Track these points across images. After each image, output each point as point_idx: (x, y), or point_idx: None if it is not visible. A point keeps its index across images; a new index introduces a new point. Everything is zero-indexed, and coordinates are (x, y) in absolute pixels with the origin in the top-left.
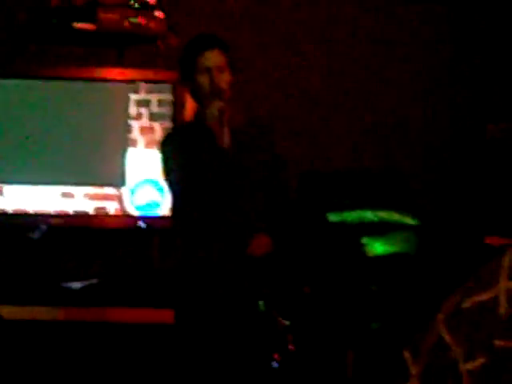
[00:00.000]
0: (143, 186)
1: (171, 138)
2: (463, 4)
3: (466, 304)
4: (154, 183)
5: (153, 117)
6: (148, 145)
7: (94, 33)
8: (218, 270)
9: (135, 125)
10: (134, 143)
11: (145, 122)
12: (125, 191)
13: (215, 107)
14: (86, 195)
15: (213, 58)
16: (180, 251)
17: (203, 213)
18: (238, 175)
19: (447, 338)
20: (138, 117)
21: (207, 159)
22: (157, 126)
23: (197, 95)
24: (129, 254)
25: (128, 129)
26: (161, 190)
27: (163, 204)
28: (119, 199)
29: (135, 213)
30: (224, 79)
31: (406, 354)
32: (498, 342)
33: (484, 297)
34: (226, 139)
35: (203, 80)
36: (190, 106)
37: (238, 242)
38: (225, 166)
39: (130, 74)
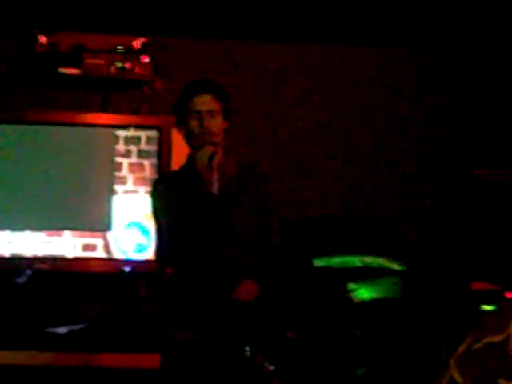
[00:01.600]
0: (129, 229)
1: (160, 183)
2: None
3: (477, 345)
4: (140, 226)
5: (141, 154)
6: (136, 183)
7: (79, 78)
8: (204, 314)
9: (124, 162)
10: (122, 181)
11: (133, 159)
12: (111, 235)
13: (205, 152)
14: (72, 240)
15: (204, 102)
16: (166, 296)
17: (189, 258)
18: (225, 221)
19: (458, 378)
20: (127, 154)
21: (194, 204)
22: (146, 162)
23: (189, 139)
24: (114, 299)
25: (113, 174)
26: (147, 233)
27: (149, 247)
28: (105, 244)
29: (121, 257)
30: (215, 124)
31: None
32: (502, 382)
33: (496, 339)
34: (215, 184)
35: (194, 124)
36: (183, 150)
37: (224, 286)
38: (212, 211)
39: (115, 119)
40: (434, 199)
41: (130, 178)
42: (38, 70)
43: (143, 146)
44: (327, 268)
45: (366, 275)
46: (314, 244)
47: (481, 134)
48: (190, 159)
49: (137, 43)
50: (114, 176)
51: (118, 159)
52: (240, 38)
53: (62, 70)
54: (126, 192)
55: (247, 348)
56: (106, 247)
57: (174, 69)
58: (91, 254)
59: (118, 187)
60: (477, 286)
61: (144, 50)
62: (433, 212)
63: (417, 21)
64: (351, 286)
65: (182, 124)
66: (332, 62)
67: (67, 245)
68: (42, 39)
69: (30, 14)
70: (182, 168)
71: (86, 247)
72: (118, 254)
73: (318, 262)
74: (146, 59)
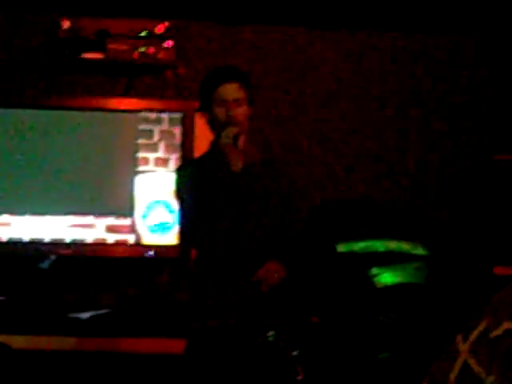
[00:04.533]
0: (154, 207)
1: (184, 167)
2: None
3: (496, 332)
4: (165, 204)
5: (164, 135)
6: (158, 163)
7: (102, 63)
8: (228, 297)
9: (147, 143)
10: (145, 162)
11: (155, 139)
12: (137, 216)
13: (230, 131)
14: (95, 224)
15: (230, 90)
16: (192, 279)
17: (213, 240)
18: (249, 199)
19: (475, 367)
20: (149, 135)
21: (217, 183)
22: (168, 143)
23: (213, 125)
24: (137, 284)
25: (136, 157)
26: (172, 211)
27: (174, 226)
28: (129, 226)
29: (147, 236)
30: (241, 112)
31: None
32: None
33: None
34: (239, 164)
35: (219, 112)
36: (205, 135)
37: (249, 266)
38: (234, 190)
39: (138, 103)
40: (457, 184)
41: (152, 159)
42: (61, 55)
43: (165, 126)
44: (350, 253)
45: (389, 260)
46: (337, 229)
47: (505, 119)
48: (213, 144)
49: (160, 28)
50: (137, 159)
51: (141, 141)
52: (264, 23)
53: (86, 55)
54: (149, 172)
55: (271, 333)
56: (131, 229)
57: (197, 53)
58: (115, 238)
59: (141, 168)
60: (499, 270)
61: (167, 34)
62: (456, 197)
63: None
64: (374, 270)
65: (206, 110)
66: (362, 49)
67: (90, 229)
68: (65, 24)
69: None
70: (206, 153)
71: (109, 231)
72: (143, 235)
73: (342, 247)
74: (169, 44)
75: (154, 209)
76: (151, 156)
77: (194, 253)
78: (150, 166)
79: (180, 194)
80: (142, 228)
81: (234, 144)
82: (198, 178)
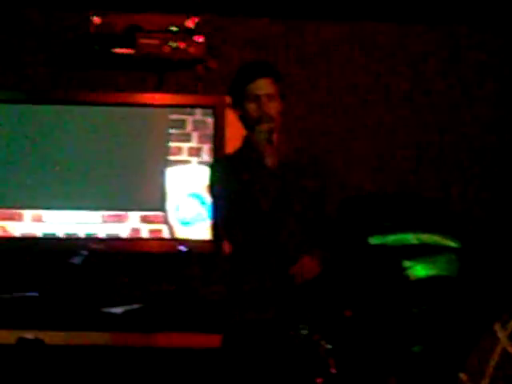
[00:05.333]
0: (188, 200)
1: (218, 163)
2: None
3: None
4: (198, 197)
5: (196, 125)
6: (191, 153)
7: (133, 58)
8: (267, 291)
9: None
10: (177, 154)
11: (188, 130)
12: (169, 210)
13: (264, 127)
14: (128, 218)
15: (263, 86)
16: (229, 273)
17: (248, 235)
18: (283, 195)
19: None
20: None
21: (251, 178)
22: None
23: (245, 121)
24: (170, 278)
25: (167, 150)
26: (204, 203)
27: (207, 218)
28: (161, 221)
29: (179, 232)
30: (273, 107)
31: (464, 377)
32: None
33: None
34: (272, 159)
35: (252, 107)
36: (237, 131)
37: (285, 260)
38: (268, 185)
39: (169, 98)
40: (489, 175)
41: (185, 151)
42: (92, 50)
43: (198, 116)
44: (383, 246)
45: (421, 252)
46: (370, 222)
47: None
48: (247, 139)
49: (190, 23)
50: (169, 150)
51: (174, 131)
52: (293, 18)
53: (116, 50)
54: (181, 163)
55: (304, 326)
56: (164, 222)
57: (227, 48)
58: (149, 232)
59: (173, 158)
60: None
61: (198, 29)
62: (488, 188)
63: None
64: (407, 263)
65: (238, 106)
66: (389, 40)
67: (123, 224)
68: (96, 20)
69: None
70: (239, 148)
71: (143, 223)
72: (176, 227)
73: (374, 240)
74: (200, 39)
75: (186, 202)
76: (184, 146)
77: (228, 247)
78: (184, 156)
79: (214, 189)
80: (174, 221)
81: (267, 140)
82: (232, 173)
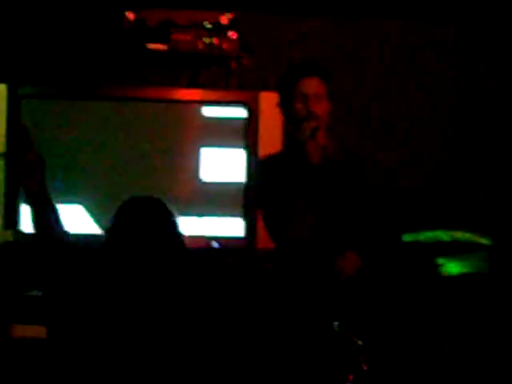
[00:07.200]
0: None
1: (263, 162)
2: None
3: None
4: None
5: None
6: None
7: (167, 53)
8: (307, 289)
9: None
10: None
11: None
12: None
13: (309, 124)
14: None
15: (311, 85)
16: (272, 269)
17: (291, 232)
18: (328, 192)
19: None
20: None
21: (297, 175)
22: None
23: (292, 120)
24: (203, 275)
25: (200, 146)
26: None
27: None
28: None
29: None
30: (321, 107)
31: None
32: None
33: None
34: (317, 156)
35: (300, 107)
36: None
37: (328, 256)
38: (315, 181)
39: (203, 94)
40: None
41: (218, 148)
42: (126, 46)
43: (231, 113)
44: (416, 243)
45: (454, 250)
46: (403, 219)
47: None
48: (291, 138)
49: (224, 19)
50: (201, 148)
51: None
52: (327, 16)
53: (150, 45)
54: (214, 162)
55: (336, 323)
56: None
57: (260, 45)
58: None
59: (205, 157)
60: None
61: (231, 25)
62: None
63: None
64: (440, 260)
65: (286, 104)
66: (415, 39)
67: None
68: (130, 16)
69: None
70: (283, 148)
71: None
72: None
73: (407, 237)
74: (234, 35)
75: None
76: (217, 142)
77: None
78: (217, 152)
79: (258, 190)
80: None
81: (312, 138)
82: (277, 172)
